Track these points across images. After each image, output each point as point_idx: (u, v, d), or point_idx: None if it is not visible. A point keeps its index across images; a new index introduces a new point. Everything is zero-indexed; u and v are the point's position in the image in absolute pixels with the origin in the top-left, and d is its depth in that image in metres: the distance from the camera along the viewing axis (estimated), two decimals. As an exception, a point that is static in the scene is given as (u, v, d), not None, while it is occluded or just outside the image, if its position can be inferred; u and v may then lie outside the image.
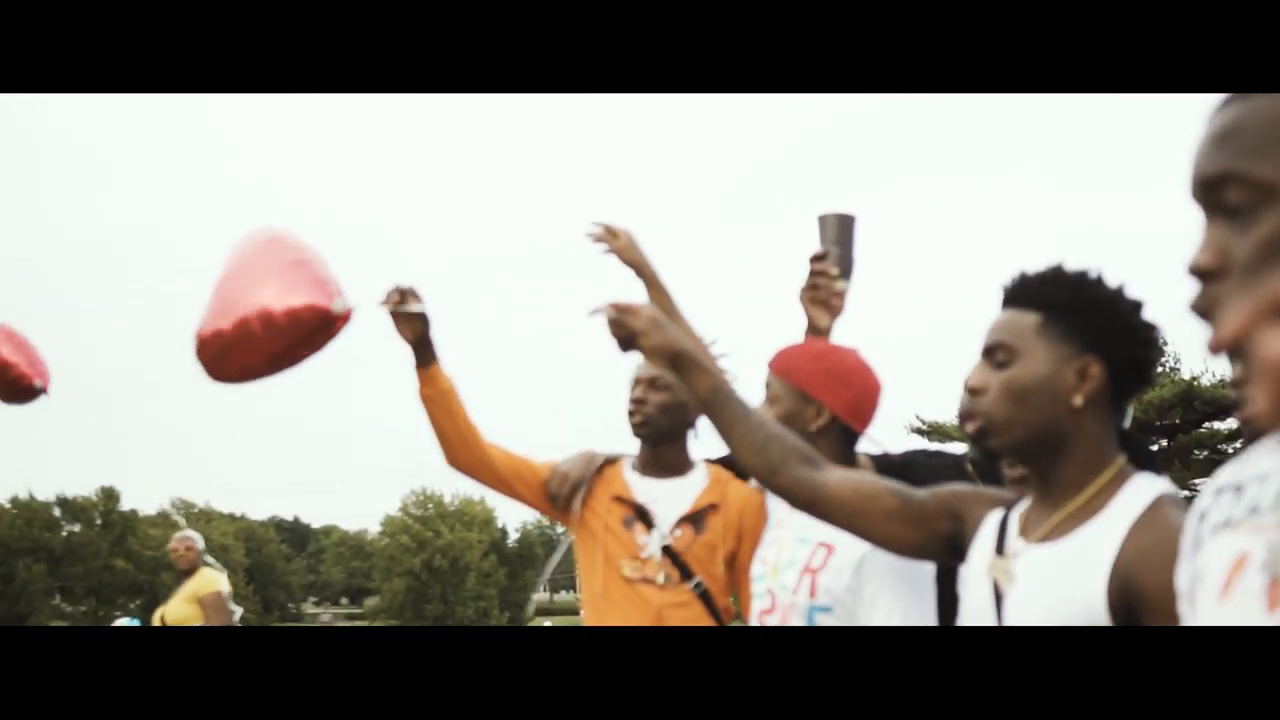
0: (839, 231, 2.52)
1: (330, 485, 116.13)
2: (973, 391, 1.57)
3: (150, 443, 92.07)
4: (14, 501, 61.28)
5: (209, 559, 6.64)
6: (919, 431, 32.97)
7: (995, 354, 1.55)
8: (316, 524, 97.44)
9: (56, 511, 62.61)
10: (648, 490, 2.65)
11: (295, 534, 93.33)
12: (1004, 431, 1.53)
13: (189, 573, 6.48)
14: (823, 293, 2.44)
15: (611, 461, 2.74)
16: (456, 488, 69.87)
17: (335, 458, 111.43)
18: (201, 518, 67.95)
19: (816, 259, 2.46)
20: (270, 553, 73.31)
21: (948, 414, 32.10)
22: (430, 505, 68.45)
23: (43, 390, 4.54)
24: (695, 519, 2.61)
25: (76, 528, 62.74)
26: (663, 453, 2.67)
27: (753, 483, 2.63)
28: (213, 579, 6.46)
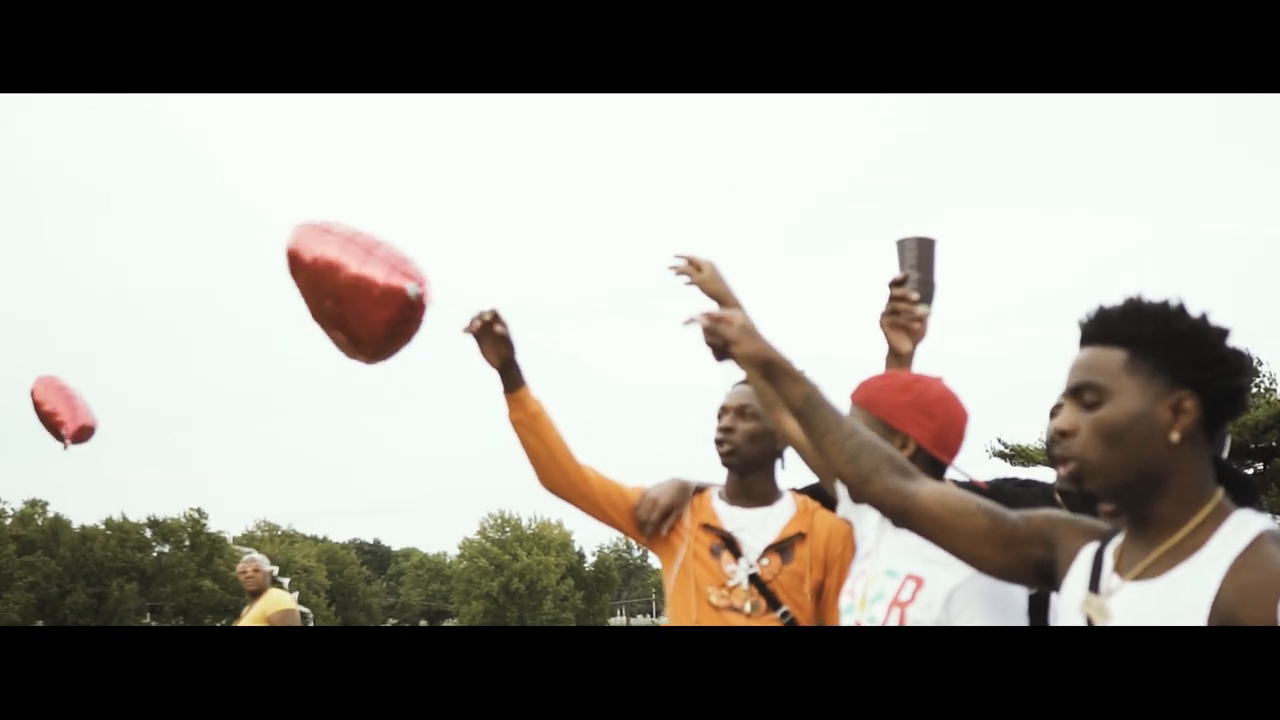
0: (919, 255, 2.49)
1: (410, 508, 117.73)
2: (1063, 434, 1.53)
3: (236, 466, 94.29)
4: (108, 523, 63.17)
5: (281, 579, 6.98)
6: (1001, 455, 32.29)
7: (1083, 394, 1.51)
8: (397, 546, 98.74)
9: (148, 533, 64.35)
10: (735, 519, 2.66)
11: (376, 556, 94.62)
12: (1101, 474, 1.50)
13: (257, 594, 6.80)
14: (903, 318, 2.42)
15: (700, 490, 2.76)
16: (534, 511, 70.35)
17: (415, 481, 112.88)
18: (285, 540, 69.33)
19: (896, 284, 2.44)
20: (351, 575, 74.46)
21: (1030, 436, 31.40)
22: (508, 529, 68.94)
23: (65, 440, 5.00)
24: (782, 548, 2.62)
25: (166, 548, 64.39)
26: (750, 482, 2.69)
27: (841, 509, 2.63)
28: (280, 599, 6.79)
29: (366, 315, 2.55)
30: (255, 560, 6.84)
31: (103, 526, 62.81)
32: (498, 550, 66.89)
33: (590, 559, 75.18)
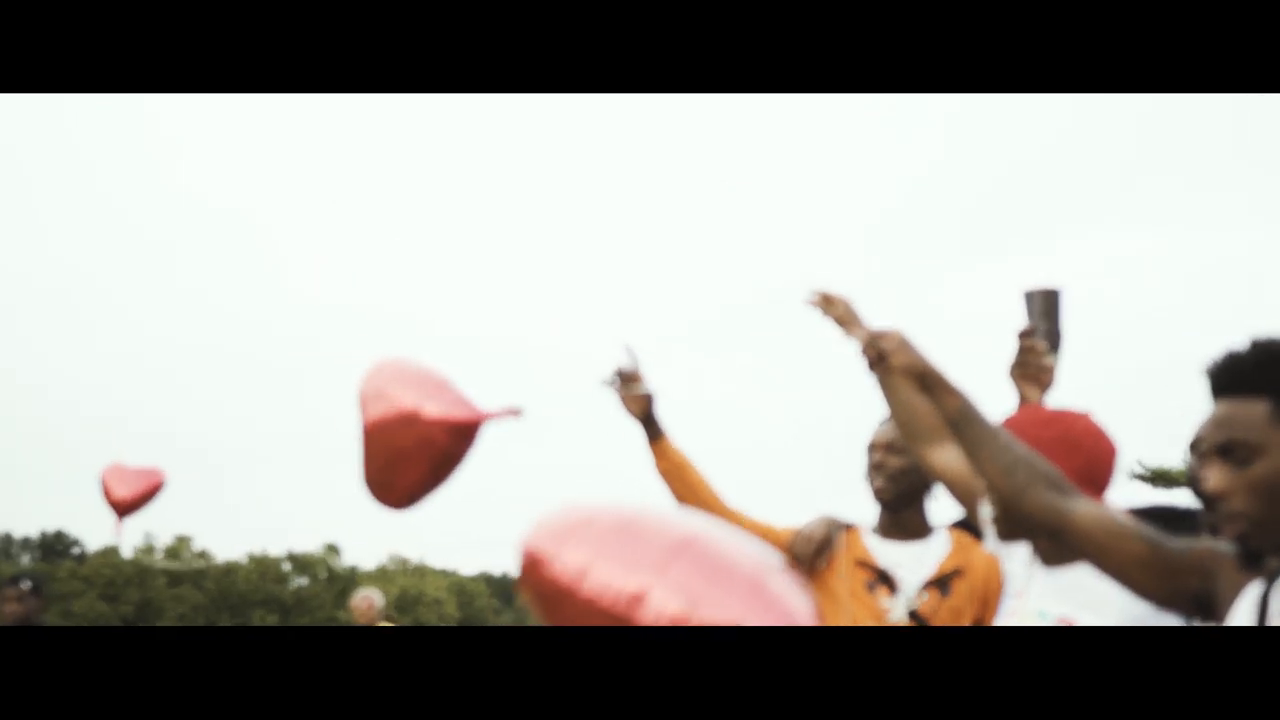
0: (1045, 306, 2.57)
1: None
2: (1218, 496, 1.50)
3: (369, 501, 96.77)
4: (251, 557, 65.68)
5: (392, 612, 7.62)
6: (1141, 478, 30.95)
7: (1233, 453, 1.48)
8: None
9: (287, 566, 66.65)
10: (889, 554, 2.67)
11: (504, 588, 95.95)
12: (1269, 533, 1.46)
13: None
14: (1032, 368, 2.45)
15: (850, 527, 2.77)
16: (658, 542, 70.23)
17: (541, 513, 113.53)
18: (416, 572, 70.94)
19: (1025, 335, 2.48)
20: (480, 606, 75.75)
21: (1172, 457, 30.02)
22: (632, 560, 69.07)
23: (117, 520, 5.98)
24: (941, 583, 2.61)
25: (304, 581, 66.56)
26: (903, 517, 2.69)
27: (987, 546, 2.59)
28: None
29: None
30: (369, 597, 7.44)
31: (246, 561, 65.30)
32: (623, 581, 67.08)
33: (716, 589, 74.58)
